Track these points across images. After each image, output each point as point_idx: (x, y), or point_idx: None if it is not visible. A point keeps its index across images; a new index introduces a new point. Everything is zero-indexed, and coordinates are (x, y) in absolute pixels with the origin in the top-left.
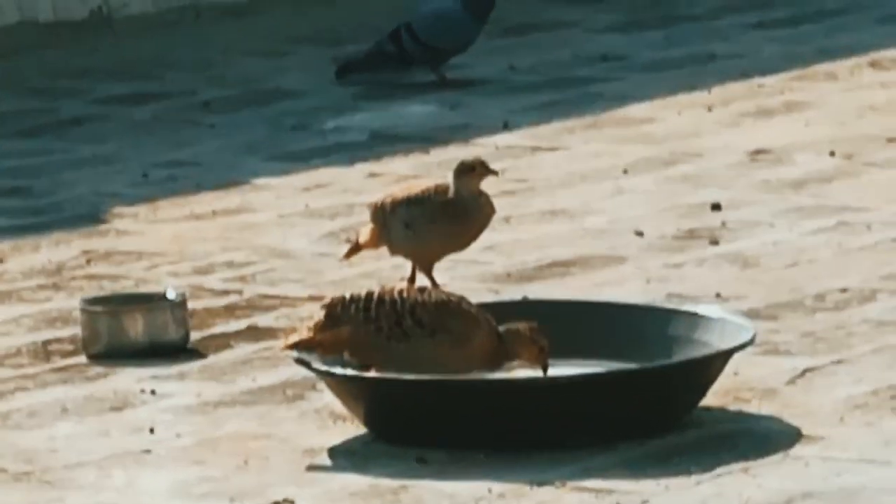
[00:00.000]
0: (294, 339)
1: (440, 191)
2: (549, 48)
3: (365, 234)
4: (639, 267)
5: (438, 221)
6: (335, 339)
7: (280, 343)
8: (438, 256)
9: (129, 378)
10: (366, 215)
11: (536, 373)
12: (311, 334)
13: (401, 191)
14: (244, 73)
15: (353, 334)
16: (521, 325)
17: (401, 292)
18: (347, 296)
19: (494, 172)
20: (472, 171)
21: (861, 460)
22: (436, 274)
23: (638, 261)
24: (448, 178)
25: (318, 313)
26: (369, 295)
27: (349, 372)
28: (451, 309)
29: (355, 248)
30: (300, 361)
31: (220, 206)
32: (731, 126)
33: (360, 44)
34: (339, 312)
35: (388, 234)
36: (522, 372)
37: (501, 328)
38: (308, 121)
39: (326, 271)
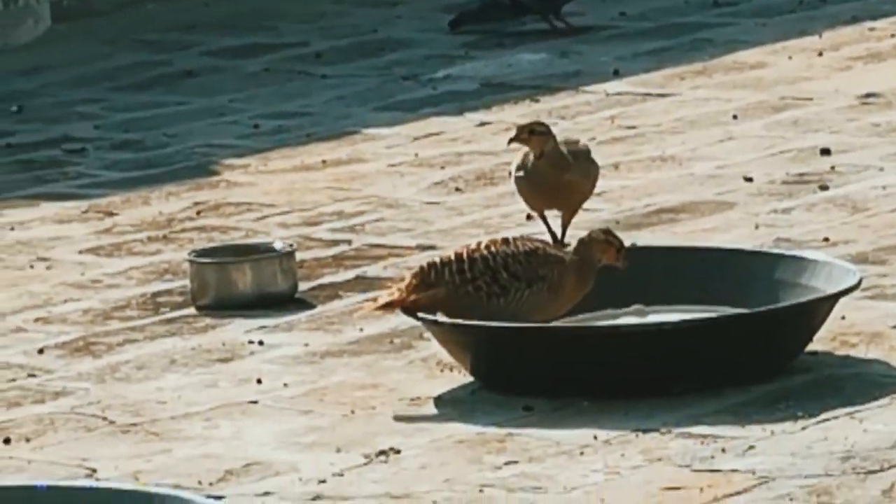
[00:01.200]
0: (385, 300)
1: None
2: None
3: None
4: (747, 212)
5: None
6: (429, 301)
7: (369, 305)
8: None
9: (237, 329)
10: (474, 164)
11: (639, 320)
12: (402, 296)
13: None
14: (355, 24)
15: (451, 295)
16: (594, 231)
17: (488, 248)
18: (438, 260)
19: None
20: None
21: None
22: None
23: (746, 206)
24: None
25: (407, 276)
26: (459, 256)
27: (457, 321)
28: (540, 256)
29: None
30: (407, 311)
31: (330, 156)
32: (841, 70)
33: None
34: (433, 278)
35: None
36: (627, 319)
37: (572, 246)
38: (419, 71)
39: (435, 221)
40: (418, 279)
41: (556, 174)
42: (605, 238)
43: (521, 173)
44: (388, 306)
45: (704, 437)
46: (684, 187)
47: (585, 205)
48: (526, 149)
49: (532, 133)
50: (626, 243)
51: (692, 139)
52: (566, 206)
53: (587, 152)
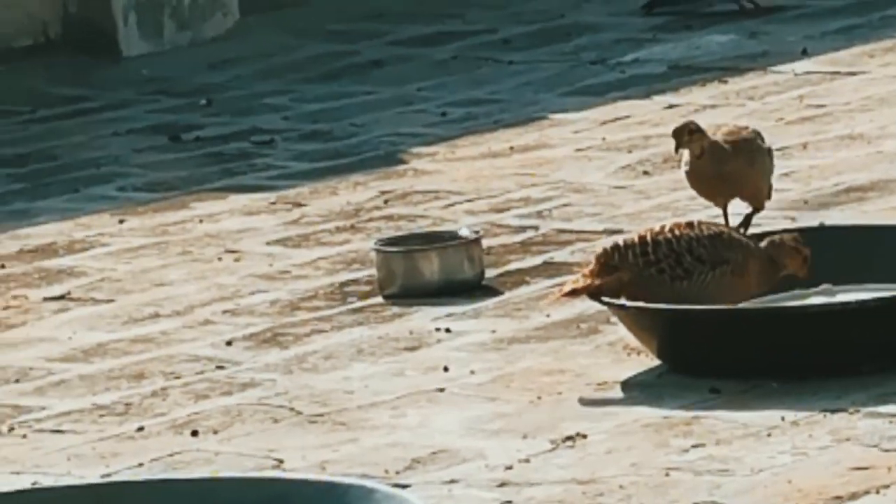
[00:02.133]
0: (570, 287)
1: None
2: None
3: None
4: None
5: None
6: (615, 285)
7: (555, 292)
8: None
9: (424, 317)
10: (662, 147)
11: (828, 299)
12: (587, 281)
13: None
14: (543, 9)
15: (635, 278)
16: (784, 236)
17: (672, 231)
18: (620, 243)
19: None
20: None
21: None
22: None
23: None
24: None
25: (590, 262)
26: (643, 239)
27: (642, 304)
28: (725, 240)
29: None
30: (593, 296)
31: (517, 142)
32: None
33: None
34: (616, 260)
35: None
36: (815, 299)
37: (763, 243)
38: (606, 55)
39: (623, 205)
40: (601, 262)
41: (717, 167)
42: (794, 245)
43: (686, 168)
44: (574, 293)
45: (893, 416)
46: (873, 166)
47: (774, 184)
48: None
49: (692, 133)
50: (815, 223)
51: (881, 117)
52: (742, 196)
53: (751, 140)
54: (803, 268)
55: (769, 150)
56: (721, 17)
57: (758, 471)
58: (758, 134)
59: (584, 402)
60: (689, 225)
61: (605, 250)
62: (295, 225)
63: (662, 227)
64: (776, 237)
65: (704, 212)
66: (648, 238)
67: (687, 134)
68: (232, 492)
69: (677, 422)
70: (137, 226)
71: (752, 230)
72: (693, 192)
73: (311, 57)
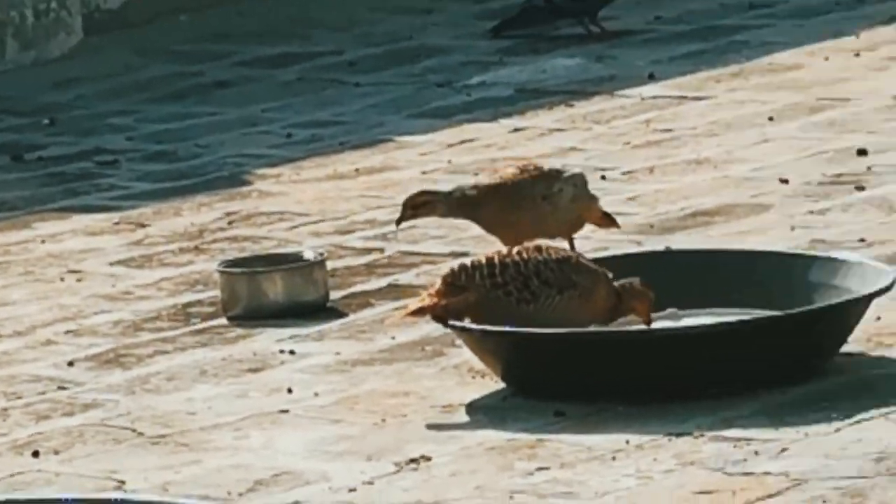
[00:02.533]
0: (416, 306)
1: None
2: None
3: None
4: (783, 214)
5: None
6: (460, 305)
7: (401, 311)
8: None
9: (267, 339)
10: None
11: (673, 324)
12: (433, 301)
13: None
14: (390, 32)
15: (481, 300)
16: (633, 281)
17: (520, 254)
18: (468, 263)
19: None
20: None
21: None
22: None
23: (782, 208)
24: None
25: (437, 282)
26: (490, 260)
27: (488, 327)
28: (573, 264)
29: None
30: (438, 318)
31: (363, 164)
32: (878, 70)
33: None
34: (463, 280)
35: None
36: (660, 323)
37: (617, 284)
38: (453, 77)
39: (468, 227)
40: (448, 282)
41: (472, 216)
42: (643, 290)
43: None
44: (419, 312)
45: (738, 440)
46: (719, 190)
47: (620, 208)
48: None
49: (416, 207)
50: (661, 247)
51: (728, 142)
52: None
53: (516, 184)
54: (647, 314)
55: (558, 189)
56: (568, 40)
57: (602, 494)
58: (540, 174)
59: (429, 424)
60: (538, 248)
61: (452, 270)
62: (138, 246)
63: (510, 250)
64: (626, 282)
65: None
66: (496, 260)
67: (411, 209)
68: None
69: (522, 445)
70: None
71: (598, 254)
72: None
73: (155, 77)
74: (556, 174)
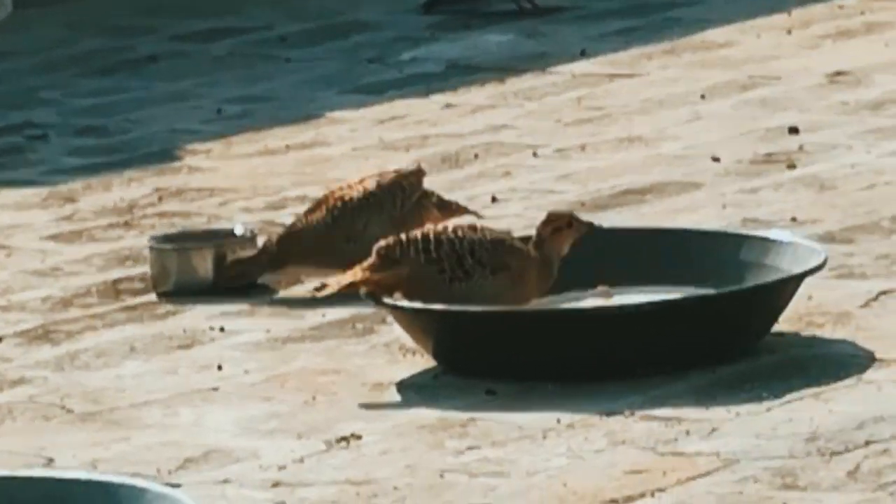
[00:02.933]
0: (349, 279)
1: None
2: None
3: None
4: (715, 193)
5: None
6: (393, 280)
7: (333, 285)
8: None
9: (198, 315)
10: (439, 147)
11: (606, 302)
12: (365, 275)
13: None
14: (321, 7)
15: (414, 274)
16: (539, 227)
17: (455, 232)
18: (403, 237)
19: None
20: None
21: None
22: (510, 204)
23: (714, 187)
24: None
25: (371, 256)
26: (426, 236)
27: (419, 305)
28: (507, 246)
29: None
30: (370, 295)
31: (294, 140)
32: (810, 48)
33: None
34: (397, 254)
35: None
36: (592, 301)
37: (532, 247)
38: (384, 53)
39: None
40: (382, 256)
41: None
42: (551, 228)
43: None
44: (352, 286)
45: (668, 419)
46: (651, 168)
47: (552, 186)
48: None
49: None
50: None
51: (660, 119)
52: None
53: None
54: (574, 231)
55: (363, 225)
56: (500, 17)
57: (533, 473)
58: (343, 209)
59: (360, 402)
60: (473, 228)
61: (387, 244)
62: (68, 221)
63: (446, 227)
64: (535, 235)
65: (482, 212)
66: (431, 235)
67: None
68: (1, 490)
69: (453, 423)
70: None
71: (530, 232)
72: (471, 192)
73: (86, 51)
74: (363, 203)
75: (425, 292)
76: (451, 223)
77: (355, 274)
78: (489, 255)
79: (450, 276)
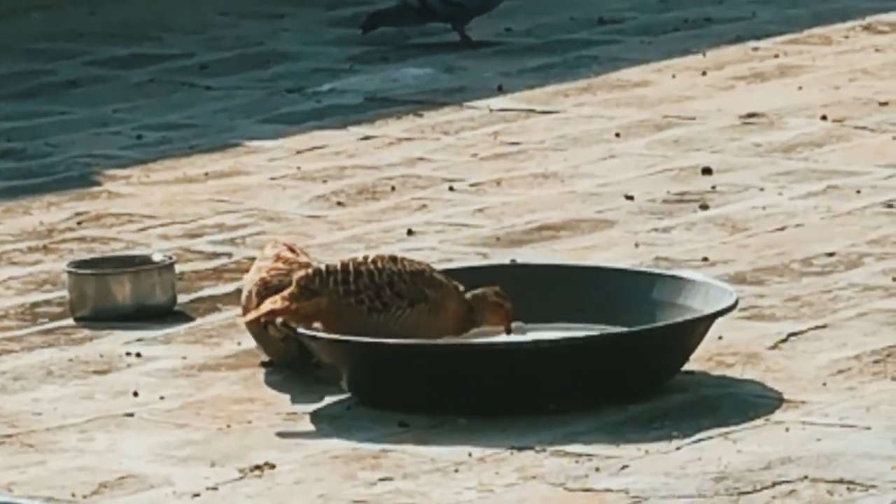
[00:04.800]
0: (268, 307)
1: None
2: (545, 11)
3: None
4: (627, 231)
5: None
6: (312, 310)
7: (252, 314)
8: None
9: (115, 341)
10: (356, 179)
11: (517, 337)
12: (284, 304)
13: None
14: (241, 36)
15: (332, 305)
16: (487, 291)
17: (375, 263)
18: (323, 268)
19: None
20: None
21: (841, 425)
22: (426, 237)
23: (627, 225)
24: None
25: (290, 286)
26: (345, 267)
27: (334, 336)
28: (426, 278)
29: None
30: (285, 325)
31: (212, 168)
32: (724, 90)
33: (360, 6)
34: (317, 284)
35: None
36: (503, 337)
37: (468, 295)
38: (303, 83)
39: (316, 235)
40: (302, 286)
41: None
42: (496, 300)
43: None
44: (271, 314)
45: (579, 455)
46: (565, 205)
47: (467, 220)
48: None
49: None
50: (506, 259)
51: (574, 156)
52: None
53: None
54: (504, 321)
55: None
56: (418, 49)
57: None
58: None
59: (274, 431)
60: (393, 259)
61: (306, 274)
62: None
63: (366, 258)
64: (479, 291)
65: (398, 245)
66: (351, 267)
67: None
68: None
69: (366, 454)
70: None
71: (444, 265)
72: (387, 225)
73: (6, 74)
74: None
75: (344, 323)
76: (372, 254)
77: (275, 302)
78: (408, 286)
79: (368, 307)
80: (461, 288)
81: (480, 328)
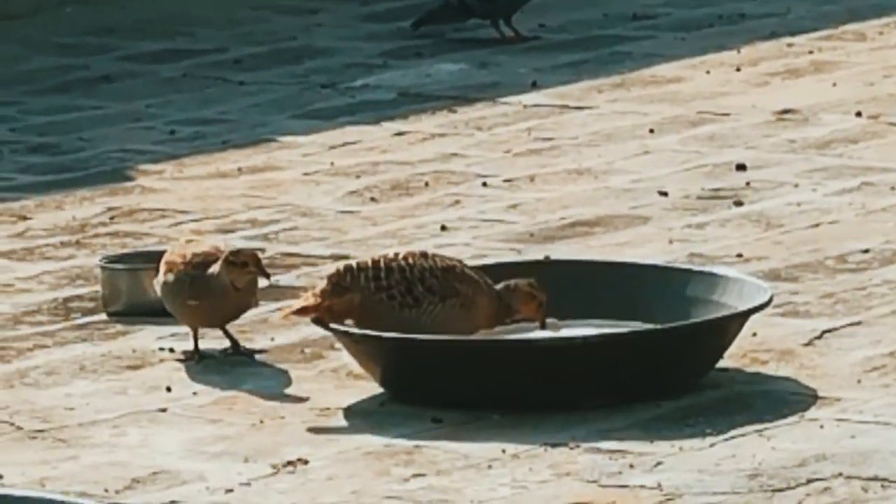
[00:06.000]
0: (300, 305)
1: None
2: (579, 7)
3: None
4: (662, 227)
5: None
6: (344, 307)
7: (284, 310)
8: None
9: (147, 336)
10: (390, 174)
11: (551, 334)
12: (316, 301)
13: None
14: (274, 31)
15: (365, 302)
16: (520, 282)
17: (406, 259)
18: (354, 265)
19: (266, 276)
20: (245, 266)
21: (876, 422)
22: (459, 233)
23: (661, 221)
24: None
25: (322, 281)
26: (376, 263)
27: (367, 332)
28: (457, 274)
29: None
30: (317, 321)
31: (245, 163)
32: (758, 86)
33: (393, 1)
34: (348, 281)
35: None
36: (537, 333)
37: (499, 286)
38: (337, 79)
39: (349, 230)
40: (334, 282)
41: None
42: (529, 291)
43: None
44: (303, 311)
45: (613, 452)
46: (599, 201)
47: (501, 216)
48: None
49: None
50: (540, 256)
51: (608, 152)
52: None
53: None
54: (538, 313)
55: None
56: (453, 45)
57: (477, 502)
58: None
59: (307, 427)
60: (424, 255)
61: (337, 270)
62: (20, 238)
63: (397, 255)
64: (512, 282)
65: (431, 240)
66: (382, 263)
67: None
68: None
69: (399, 450)
70: None
71: (477, 262)
72: (420, 220)
73: (40, 69)
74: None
75: (376, 319)
76: (403, 250)
77: (307, 299)
78: (439, 282)
79: (400, 303)
80: (490, 283)
81: (515, 324)
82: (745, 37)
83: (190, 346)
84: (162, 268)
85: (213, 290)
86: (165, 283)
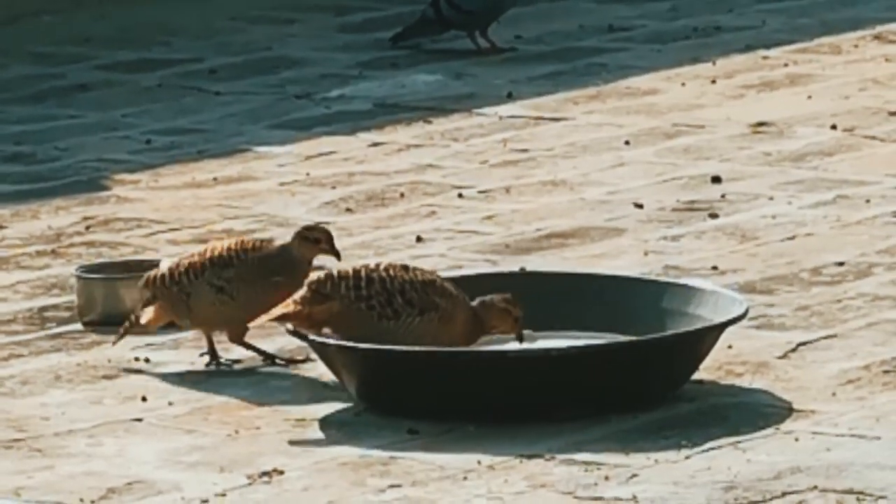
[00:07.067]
0: (279, 312)
1: (251, 248)
2: (555, 18)
3: (148, 313)
4: (637, 239)
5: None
6: (324, 315)
7: (263, 317)
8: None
9: (123, 346)
10: (365, 185)
11: (527, 346)
12: (296, 308)
13: (200, 255)
14: (250, 41)
15: (344, 310)
16: (496, 298)
17: (387, 270)
18: (335, 273)
19: (337, 255)
20: (317, 243)
21: (851, 435)
22: (434, 244)
23: (636, 233)
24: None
25: (302, 289)
26: (357, 273)
27: (343, 342)
28: (437, 288)
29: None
30: (294, 332)
31: (221, 173)
32: (734, 98)
33: (369, 12)
34: (329, 289)
35: (189, 303)
36: (514, 345)
37: (475, 301)
38: (312, 89)
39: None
40: (313, 290)
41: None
42: (505, 307)
43: None
44: (283, 318)
45: (588, 464)
46: (575, 212)
47: (476, 227)
48: None
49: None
50: (516, 267)
51: (584, 164)
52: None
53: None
54: (514, 328)
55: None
56: (428, 56)
57: None
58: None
59: (282, 437)
60: (405, 268)
61: (318, 278)
62: None
63: (378, 265)
64: (487, 298)
65: (406, 251)
66: (363, 273)
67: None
68: None
69: (374, 461)
70: None
71: (452, 272)
72: (396, 231)
73: (15, 78)
74: None
75: (353, 328)
76: (384, 262)
77: (286, 306)
78: (419, 295)
79: (379, 314)
80: (467, 298)
81: (492, 336)
82: (720, 49)
83: (161, 356)
84: (212, 262)
85: (293, 265)
86: (241, 265)
